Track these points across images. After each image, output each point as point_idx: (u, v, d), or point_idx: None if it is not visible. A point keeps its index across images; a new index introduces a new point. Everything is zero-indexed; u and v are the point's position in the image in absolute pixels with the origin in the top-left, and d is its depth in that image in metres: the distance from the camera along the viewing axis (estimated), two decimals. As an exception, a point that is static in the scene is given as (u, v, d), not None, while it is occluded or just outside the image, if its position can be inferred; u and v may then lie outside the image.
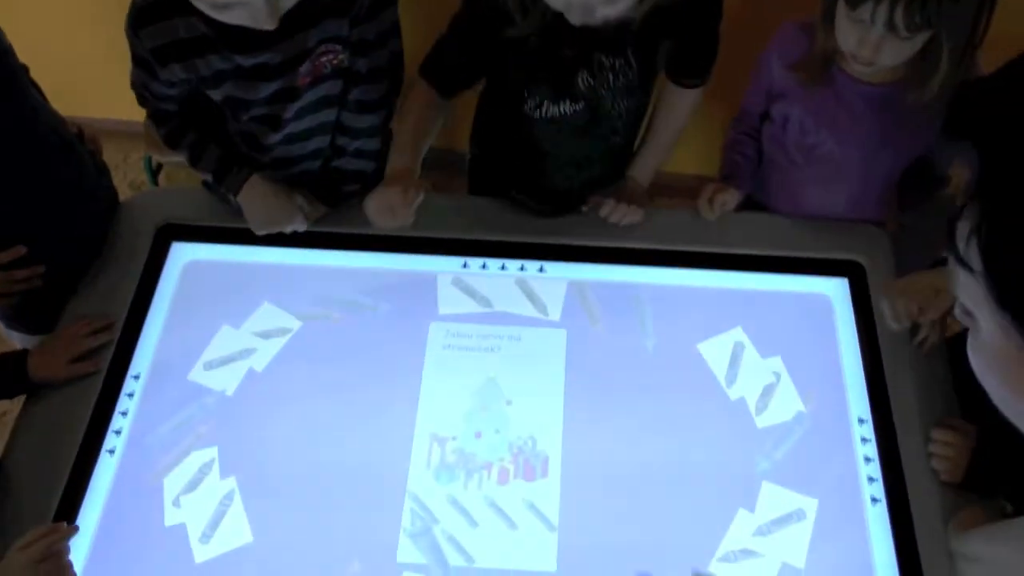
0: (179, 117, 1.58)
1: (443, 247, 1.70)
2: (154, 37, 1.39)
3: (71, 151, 1.60)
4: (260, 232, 1.65)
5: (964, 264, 0.77)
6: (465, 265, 1.68)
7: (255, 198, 1.62)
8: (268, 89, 1.48)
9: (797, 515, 1.42)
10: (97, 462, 1.47)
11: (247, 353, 1.58)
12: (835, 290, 1.65)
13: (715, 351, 1.58)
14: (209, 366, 1.57)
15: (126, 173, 2.84)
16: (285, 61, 1.45)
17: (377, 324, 1.61)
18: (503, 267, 1.68)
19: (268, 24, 1.31)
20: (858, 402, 1.53)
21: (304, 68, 1.47)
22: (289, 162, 1.64)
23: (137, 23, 1.39)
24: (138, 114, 1.62)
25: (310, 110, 1.55)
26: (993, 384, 0.83)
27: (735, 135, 1.76)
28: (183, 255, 1.71)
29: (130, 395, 1.54)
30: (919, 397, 1.51)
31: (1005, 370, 0.80)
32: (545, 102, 1.57)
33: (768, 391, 1.54)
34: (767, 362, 1.57)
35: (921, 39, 1.37)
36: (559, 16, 1.36)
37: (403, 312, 1.63)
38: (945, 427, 1.46)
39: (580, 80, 1.53)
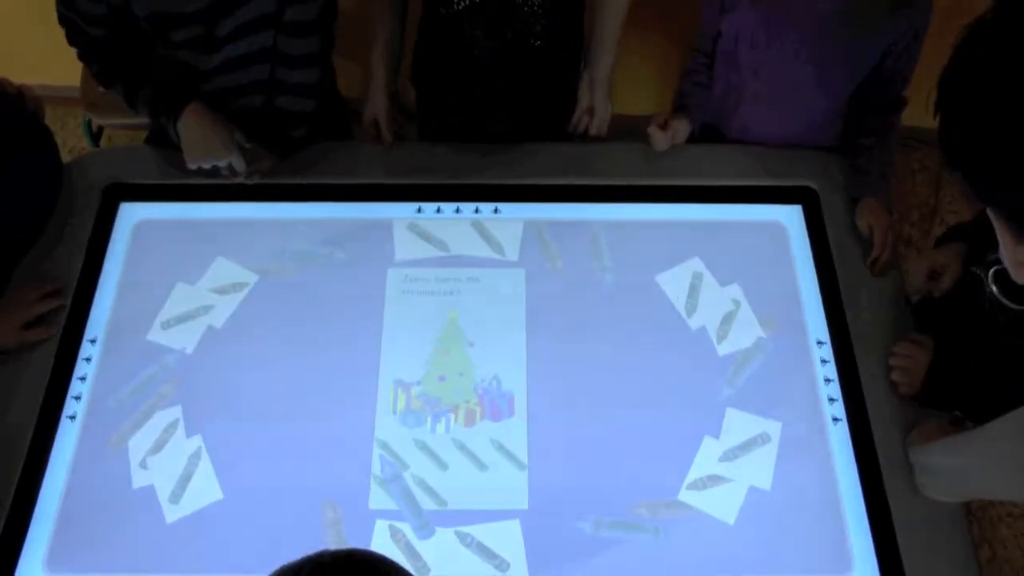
0: (110, 51, 1.55)
1: (396, 193, 1.68)
2: None
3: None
4: (195, 164, 1.61)
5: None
6: (419, 210, 1.66)
7: (194, 126, 1.57)
8: (199, 3, 1.45)
9: (761, 438, 1.45)
10: (58, 429, 1.45)
11: (205, 310, 1.56)
12: (789, 216, 1.66)
13: (674, 282, 1.59)
14: (167, 325, 1.55)
15: (64, 140, 2.75)
16: None
17: (334, 273, 1.60)
18: (457, 210, 1.67)
19: None
20: (816, 325, 1.55)
21: None
22: (228, 95, 1.60)
23: None
24: (73, 78, 1.57)
25: (245, 31, 1.53)
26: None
27: (691, 64, 1.76)
28: (132, 215, 1.67)
29: (87, 359, 1.51)
30: (875, 317, 1.54)
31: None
32: None
33: (728, 319, 1.55)
34: (726, 290, 1.58)
35: None
36: None
37: (360, 260, 1.61)
38: (905, 340, 1.48)
39: None
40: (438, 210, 1.67)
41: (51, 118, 1.67)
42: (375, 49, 1.70)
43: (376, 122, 1.73)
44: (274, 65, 1.60)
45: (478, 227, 1.65)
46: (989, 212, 0.86)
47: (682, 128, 1.70)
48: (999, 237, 0.87)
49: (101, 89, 2.08)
